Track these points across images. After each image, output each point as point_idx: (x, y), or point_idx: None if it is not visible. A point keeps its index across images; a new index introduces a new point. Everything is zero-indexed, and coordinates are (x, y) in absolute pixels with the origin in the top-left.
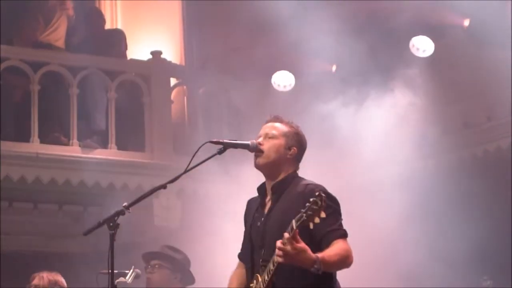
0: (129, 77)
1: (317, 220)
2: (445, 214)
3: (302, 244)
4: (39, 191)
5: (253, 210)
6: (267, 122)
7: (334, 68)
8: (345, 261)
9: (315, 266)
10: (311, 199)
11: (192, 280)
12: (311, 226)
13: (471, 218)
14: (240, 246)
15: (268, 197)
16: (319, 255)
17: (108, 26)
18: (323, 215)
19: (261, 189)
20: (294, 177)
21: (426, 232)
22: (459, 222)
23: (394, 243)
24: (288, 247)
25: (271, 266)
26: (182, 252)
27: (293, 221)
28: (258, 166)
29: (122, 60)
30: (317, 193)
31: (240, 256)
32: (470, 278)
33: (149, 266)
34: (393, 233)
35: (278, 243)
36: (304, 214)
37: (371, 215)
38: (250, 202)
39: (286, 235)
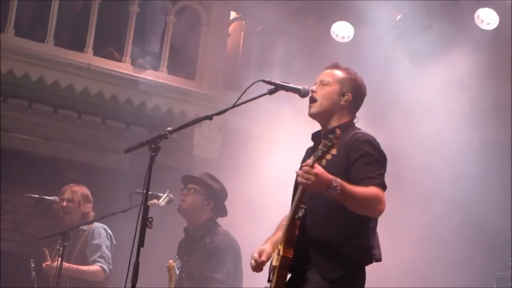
0: (191, 4)
1: (328, 156)
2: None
3: (319, 169)
4: (85, 102)
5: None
6: (325, 69)
7: (398, 17)
8: (370, 204)
9: (333, 183)
10: (329, 136)
11: (224, 212)
12: (324, 162)
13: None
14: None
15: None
16: (341, 181)
17: None
18: (333, 151)
19: (316, 136)
20: (348, 127)
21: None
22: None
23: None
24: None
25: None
26: (221, 182)
27: (311, 158)
28: (311, 115)
29: None
30: (335, 132)
31: None
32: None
33: (185, 189)
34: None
35: (297, 170)
36: (320, 151)
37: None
38: (308, 150)
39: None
